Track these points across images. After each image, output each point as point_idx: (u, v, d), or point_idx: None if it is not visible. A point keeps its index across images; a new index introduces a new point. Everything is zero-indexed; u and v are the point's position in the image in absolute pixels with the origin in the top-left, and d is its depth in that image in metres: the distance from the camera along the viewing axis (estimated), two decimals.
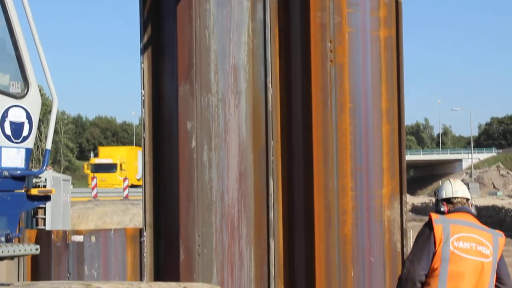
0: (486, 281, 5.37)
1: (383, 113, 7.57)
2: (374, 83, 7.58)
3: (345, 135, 7.43)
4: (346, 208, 7.39)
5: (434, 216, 5.49)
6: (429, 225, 5.46)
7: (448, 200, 5.73)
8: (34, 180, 10.05)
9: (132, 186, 55.65)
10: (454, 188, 5.78)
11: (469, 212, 5.66)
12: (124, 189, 49.16)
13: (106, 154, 61.55)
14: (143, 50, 8.00)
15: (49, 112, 7.02)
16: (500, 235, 5.63)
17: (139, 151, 61.51)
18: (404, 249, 7.44)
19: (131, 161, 59.10)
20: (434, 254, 5.34)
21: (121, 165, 57.75)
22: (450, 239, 5.32)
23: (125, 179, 50.98)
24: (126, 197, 47.32)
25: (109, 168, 56.77)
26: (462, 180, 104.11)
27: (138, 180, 57.44)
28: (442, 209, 5.68)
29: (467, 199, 5.78)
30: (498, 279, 5.58)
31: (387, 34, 7.66)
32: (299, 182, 7.53)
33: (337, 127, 7.41)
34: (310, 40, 7.46)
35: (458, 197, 5.73)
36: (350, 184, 7.42)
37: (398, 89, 7.63)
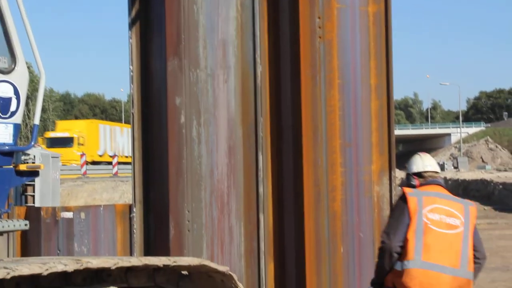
0: (456, 251, 5.46)
1: (372, 89, 7.56)
2: (363, 59, 7.56)
3: (334, 111, 7.42)
4: (335, 184, 7.40)
5: (407, 189, 5.63)
6: (403, 198, 5.58)
7: (419, 174, 5.85)
8: (23, 158, 10.02)
9: (93, 163, 53.57)
10: (424, 162, 5.90)
11: (440, 184, 5.79)
12: (114, 166, 49.15)
13: (64, 128, 57.18)
14: (131, 25, 7.96)
15: (38, 89, 6.98)
16: (470, 204, 5.75)
17: (100, 125, 57.45)
18: None
19: (92, 135, 55.44)
20: (408, 225, 5.44)
21: (79, 139, 53.67)
22: (423, 211, 5.45)
23: (113, 156, 50.85)
24: (116, 174, 47.38)
25: (65, 142, 52.40)
26: (451, 155, 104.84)
27: (100, 156, 55.17)
28: (413, 183, 5.82)
29: (437, 173, 5.90)
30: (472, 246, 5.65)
31: (376, 10, 7.63)
32: (288, 158, 7.53)
33: (326, 103, 7.40)
34: (298, 16, 7.42)
35: (428, 171, 5.85)
36: (340, 160, 7.42)
37: (387, 64, 7.62)
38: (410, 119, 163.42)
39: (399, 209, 5.58)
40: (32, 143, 6.96)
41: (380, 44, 7.61)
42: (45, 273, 3.55)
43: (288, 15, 7.54)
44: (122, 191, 32.79)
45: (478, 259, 5.68)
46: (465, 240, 5.51)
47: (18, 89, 6.64)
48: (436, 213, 5.47)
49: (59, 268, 3.60)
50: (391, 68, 7.61)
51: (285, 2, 7.56)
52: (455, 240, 5.48)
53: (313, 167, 7.36)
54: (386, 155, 7.57)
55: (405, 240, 5.46)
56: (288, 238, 7.51)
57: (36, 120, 6.93)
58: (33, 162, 10.12)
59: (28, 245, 8.27)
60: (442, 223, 5.46)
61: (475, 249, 5.65)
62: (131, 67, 7.92)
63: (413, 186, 5.78)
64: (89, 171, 46.34)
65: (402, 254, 5.46)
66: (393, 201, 7.47)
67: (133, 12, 7.92)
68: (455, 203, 5.61)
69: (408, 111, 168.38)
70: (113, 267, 3.84)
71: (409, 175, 5.91)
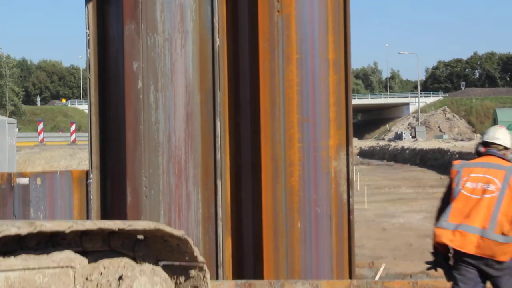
0: (485, 214, 6.04)
1: (330, 63, 7.56)
2: (321, 33, 7.55)
3: (292, 86, 7.42)
4: (293, 159, 7.42)
5: (455, 162, 6.51)
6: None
7: (486, 143, 6.54)
8: None
9: None
10: (494, 135, 6.56)
11: (493, 154, 6.43)
12: (72, 134, 48.83)
13: None
14: None
15: None
16: None
17: None
18: (350, 199, 7.52)
19: None
20: (450, 194, 6.29)
21: None
22: (461, 181, 6.21)
23: (72, 123, 50.49)
24: (74, 141, 47.10)
25: None
26: (409, 124, 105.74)
27: None
28: (479, 149, 6.57)
29: (506, 148, 6.50)
30: None
31: None
32: (246, 133, 7.52)
33: (284, 78, 7.39)
34: None
35: (495, 143, 6.49)
36: (297, 135, 7.43)
37: (345, 39, 7.61)
38: (370, 88, 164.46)
39: (449, 179, 6.41)
40: None
41: (338, 19, 7.60)
42: None
43: None
44: (80, 158, 32.60)
45: None
46: (498, 204, 6.06)
47: None
48: (472, 181, 6.17)
49: (12, 231, 3.56)
50: (349, 42, 7.62)
51: None
52: (488, 204, 6.05)
53: (271, 142, 7.37)
54: (343, 130, 7.59)
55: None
56: (245, 208, 7.52)
57: None
58: None
59: None
60: (477, 190, 6.11)
61: None
62: (87, 31, 7.83)
63: (479, 152, 6.51)
64: (47, 139, 45.97)
65: None
66: (350, 177, 7.57)
67: None
68: (496, 171, 6.21)
69: (368, 80, 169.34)
70: (68, 231, 3.80)
71: (480, 142, 6.62)
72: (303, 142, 7.44)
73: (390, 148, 58.20)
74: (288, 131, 7.41)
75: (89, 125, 7.90)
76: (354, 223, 7.55)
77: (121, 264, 4.43)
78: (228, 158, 7.56)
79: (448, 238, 6.08)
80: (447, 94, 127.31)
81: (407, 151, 52.03)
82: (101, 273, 4.30)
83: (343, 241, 7.49)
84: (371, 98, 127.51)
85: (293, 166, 7.42)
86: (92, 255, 4.35)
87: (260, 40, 7.37)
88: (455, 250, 6.10)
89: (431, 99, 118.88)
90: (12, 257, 3.90)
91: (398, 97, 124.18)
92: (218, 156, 7.48)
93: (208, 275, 4.70)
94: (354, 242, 7.54)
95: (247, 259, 7.53)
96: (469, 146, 44.87)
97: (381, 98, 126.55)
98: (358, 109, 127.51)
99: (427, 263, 6.56)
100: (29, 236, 3.91)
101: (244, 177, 7.53)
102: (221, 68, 7.52)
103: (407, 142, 63.21)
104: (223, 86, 7.52)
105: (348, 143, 7.59)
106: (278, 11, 7.39)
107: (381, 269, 11.73)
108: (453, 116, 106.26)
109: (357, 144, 67.57)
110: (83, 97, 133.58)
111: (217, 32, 7.48)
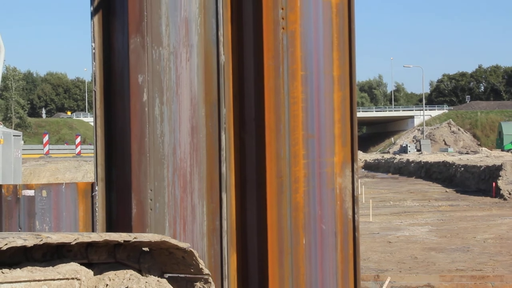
0: None
1: (335, 80, 7.55)
2: (326, 50, 7.55)
3: (297, 102, 7.41)
4: (298, 175, 7.40)
5: None
6: None
7: None
8: None
9: None
10: None
11: None
12: (77, 146, 48.92)
13: None
14: (93, 2, 7.89)
15: None
16: None
17: None
18: (355, 216, 7.50)
19: None
20: None
21: None
22: None
23: (77, 136, 50.62)
24: (79, 153, 47.19)
25: None
26: (414, 137, 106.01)
27: None
28: None
29: None
30: None
31: (339, 0, 7.61)
32: (251, 150, 7.51)
33: (289, 95, 7.39)
34: (262, 6, 7.39)
35: None
36: (302, 152, 7.43)
37: (350, 56, 7.61)
38: (374, 101, 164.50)
39: None
40: None
41: (343, 35, 7.60)
42: (4, 247, 3.53)
43: (252, 6, 7.50)
44: (85, 170, 32.66)
45: None
46: None
47: None
48: None
49: (19, 243, 3.59)
50: (354, 59, 7.62)
51: None
52: None
53: (276, 158, 7.36)
54: (348, 147, 7.58)
55: None
56: (250, 228, 7.50)
57: None
58: None
59: None
60: None
61: None
62: (93, 44, 7.86)
63: None
64: (52, 151, 46.08)
65: None
66: (355, 193, 7.55)
67: None
68: None
69: (372, 93, 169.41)
70: (73, 243, 3.83)
71: None
72: (308, 158, 7.43)
73: (395, 161, 58.18)
74: (293, 148, 7.40)
75: (95, 138, 7.92)
76: (359, 240, 7.53)
77: (127, 276, 4.45)
78: (233, 172, 7.56)
79: None
80: (452, 108, 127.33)
81: (412, 164, 52.02)
82: (107, 285, 4.31)
83: (348, 258, 7.47)
84: (376, 111, 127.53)
85: (298, 182, 7.40)
86: (98, 267, 4.37)
87: (265, 57, 7.37)
88: None
89: (436, 112, 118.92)
90: (18, 269, 3.92)
91: (403, 110, 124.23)
92: (223, 169, 7.49)
93: None
94: (360, 259, 7.53)
95: (252, 275, 7.52)
96: (474, 159, 44.80)
97: (386, 111, 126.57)
98: (363, 122, 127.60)
99: None
100: (35, 248, 3.93)
101: (249, 192, 7.52)
102: (226, 84, 7.53)
103: (412, 155, 63.20)
104: (228, 102, 7.53)
105: (353, 160, 7.57)
106: (283, 28, 7.40)
107: (387, 282, 11.71)
108: (458, 130, 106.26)
109: (362, 157, 67.62)
110: (88, 109, 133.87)
111: (222, 46, 7.50)
